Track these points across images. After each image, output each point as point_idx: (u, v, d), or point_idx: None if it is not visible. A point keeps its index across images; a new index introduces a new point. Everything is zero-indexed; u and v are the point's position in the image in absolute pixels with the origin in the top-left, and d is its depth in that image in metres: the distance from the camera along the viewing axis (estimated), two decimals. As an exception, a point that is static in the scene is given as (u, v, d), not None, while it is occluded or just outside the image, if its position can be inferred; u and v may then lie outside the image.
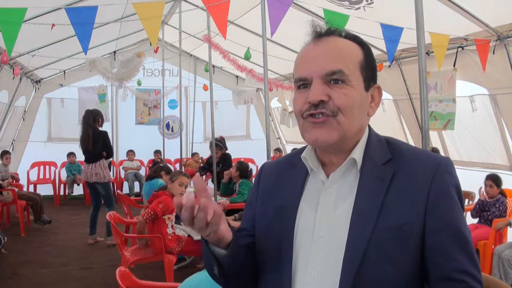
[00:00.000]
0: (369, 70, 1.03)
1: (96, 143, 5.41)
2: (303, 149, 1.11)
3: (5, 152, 7.09)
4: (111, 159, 7.99)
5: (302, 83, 1.01)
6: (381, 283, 0.93)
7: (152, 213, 3.80)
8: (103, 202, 5.62)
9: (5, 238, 5.08)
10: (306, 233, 1.01)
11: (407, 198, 0.95)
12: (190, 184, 5.98)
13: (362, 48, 1.03)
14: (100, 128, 5.57)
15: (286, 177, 1.12)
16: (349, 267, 0.93)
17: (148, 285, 2.66)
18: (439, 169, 0.97)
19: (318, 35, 1.02)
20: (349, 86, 0.97)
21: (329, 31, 1.03)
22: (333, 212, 1.00)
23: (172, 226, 3.96)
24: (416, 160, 1.00)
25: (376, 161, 1.01)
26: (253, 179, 6.04)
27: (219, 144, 6.00)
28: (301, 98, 1.01)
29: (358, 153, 1.02)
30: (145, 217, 3.80)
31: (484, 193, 4.48)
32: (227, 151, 6.43)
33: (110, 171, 8.21)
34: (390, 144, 1.05)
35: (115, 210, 5.28)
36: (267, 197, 1.13)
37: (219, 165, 5.92)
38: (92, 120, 5.47)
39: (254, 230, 1.14)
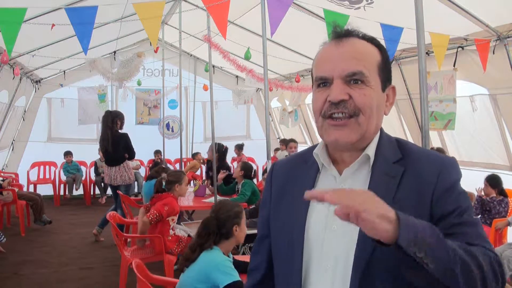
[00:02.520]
0: (386, 71, 1.07)
1: (117, 146, 5.40)
2: (315, 146, 1.15)
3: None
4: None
5: (322, 82, 1.05)
6: (390, 273, 0.96)
7: (157, 214, 3.80)
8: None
9: (5, 238, 5.09)
10: (318, 227, 1.05)
11: (416, 193, 1.00)
12: (190, 183, 5.99)
13: (380, 50, 1.08)
14: (120, 131, 5.53)
15: (297, 173, 1.16)
16: (361, 257, 0.97)
17: (159, 280, 2.68)
18: (445, 166, 1.02)
19: (338, 36, 1.06)
20: (368, 87, 1.02)
21: (348, 32, 1.06)
22: None
23: (172, 228, 3.96)
24: (424, 159, 1.05)
25: (388, 159, 1.05)
26: (255, 180, 6.03)
27: (216, 146, 5.98)
28: (321, 97, 1.04)
29: (371, 150, 1.06)
30: (150, 218, 3.80)
31: (481, 191, 4.53)
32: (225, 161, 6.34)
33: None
34: (400, 144, 1.09)
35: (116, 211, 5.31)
36: (280, 194, 1.17)
37: (218, 170, 5.90)
38: (110, 122, 5.43)
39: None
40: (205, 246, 2.36)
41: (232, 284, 2.22)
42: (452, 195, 1.00)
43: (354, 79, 1.01)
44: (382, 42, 3.82)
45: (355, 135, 1.02)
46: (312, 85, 1.11)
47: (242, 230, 2.51)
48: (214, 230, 2.41)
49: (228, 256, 2.46)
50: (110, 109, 8.82)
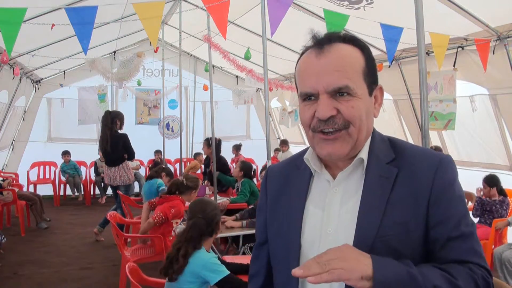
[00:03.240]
0: (371, 74, 1.04)
1: (115, 146, 5.38)
2: (306, 150, 1.14)
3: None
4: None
5: (308, 97, 1.02)
6: None
7: (163, 217, 3.81)
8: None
9: (5, 238, 5.08)
10: (314, 231, 1.05)
11: (411, 194, 0.99)
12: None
13: (363, 53, 1.04)
14: (120, 131, 5.50)
15: (291, 179, 1.15)
16: None
17: (155, 282, 2.68)
18: (441, 165, 1.00)
19: (319, 44, 1.02)
20: (356, 98, 0.99)
21: (329, 37, 1.02)
22: (339, 210, 1.03)
23: (174, 229, 3.97)
24: (418, 157, 1.03)
25: (381, 160, 1.04)
26: (255, 180, 6.05)
27: (208, 140, 5.99)
28: (308, 112, 1.02)
29: (364, 154, 1.04)
30: (156, 220, 3.80)
31: (481, 192, 4.54)
32: (221, 154, 6.34)
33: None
34: (393, 144, 1.08)
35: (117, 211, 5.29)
36: (275, 199, 1.16)
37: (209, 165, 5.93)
38: (110, 122, 5.40)
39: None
40: (196, 248, 2.37)
41: (223, 280, 2.25)
42: (449, 197, 0.98)
43: (340, 92, 0.98)
44: (382, 42, 3.77)
45: (347, 146, 1.00)
46: (298, 96, 1.08)
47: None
48: (204, 230, 2.43)
49: (210, 252, 2.48)
50: (110, 109, 8.84)
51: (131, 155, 5.58)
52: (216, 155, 5.95)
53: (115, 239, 4.00)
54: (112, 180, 5.44)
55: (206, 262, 2.32)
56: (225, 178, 5.77)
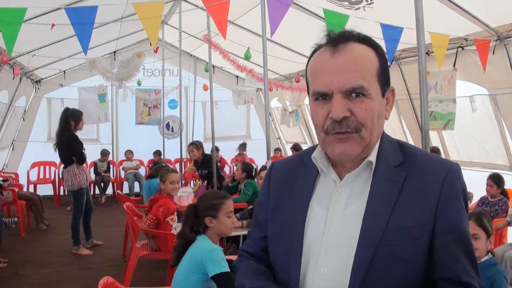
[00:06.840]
0: (384, 75, 1.03)
1: (60, 146, 5.10)
2: (313, 148, 1.12)
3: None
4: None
5: (321, 96, 1.01)
6: (390, 281, 0.95)
7: (154, 218, 3.81)
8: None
9: (13, 225, 4.98)
10: (316, 231, 1.03)
11: (419, 200, 0.98)
12: (191, 183, 6.00)
13: (377, 53, 1.03)
14: (77, 132, 5.21)
15: (296, 176, 1.14)
16: (360, 264, 0.95)
17: None
18: (450, 174, 1.00)
19: (334, 43, 1.00)
20: (369, 99, 0.98)
21: (345, 36, 1.01)
22: (344, 211, 1.02)
23: (175, 228, 3.96)
24: (427, 164, 1.02)
25: (389, 163, 1.03)
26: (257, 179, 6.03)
27: (196, 143, 5.99)
28: (321, 112, 1.01)
29: (373, 156, 1.03)
30: (148, 223, 3.80)
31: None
32: (206, 153, 6.29)
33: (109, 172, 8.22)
34: (402, 147, 1.07)
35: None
36: (278, 196, 1.15)
37: (203, 167, 5.92)
38: (63, 121, 5.14)
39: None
40: (188, 235, 2.28)
41: (220, 275, 2.10)
42: (456, 208, 0.98)
43: (355, 92, 0.97)
44: (382, 42, 3.79)
45: (358, 147, 1.00)
46: (308, 95, 1.07)
47: (222, 223, 2.34)
48: (192, 219, 2.32)
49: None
50: (110, 109, 8.84)
51: (78, 159, 5.16)
52: (203, 157, 5.94)
53: (131, 231, 4.01)
54: (64, 182, 5.23)
55: (210, 250, 2.20)
56: (230, 188, 5.64)
